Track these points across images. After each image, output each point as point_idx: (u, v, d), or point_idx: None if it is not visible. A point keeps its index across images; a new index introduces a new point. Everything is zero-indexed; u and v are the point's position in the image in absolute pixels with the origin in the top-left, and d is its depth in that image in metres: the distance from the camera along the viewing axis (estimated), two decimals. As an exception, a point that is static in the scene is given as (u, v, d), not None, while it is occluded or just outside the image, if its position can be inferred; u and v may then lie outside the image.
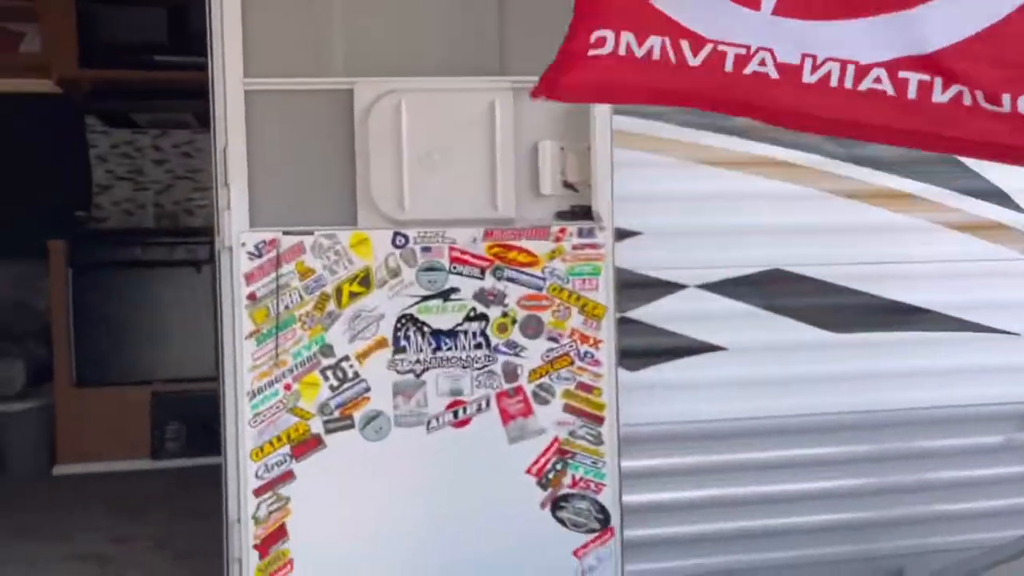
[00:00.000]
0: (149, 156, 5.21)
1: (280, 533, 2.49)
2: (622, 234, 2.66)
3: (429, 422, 2.53)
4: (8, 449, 4.34)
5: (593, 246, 2.57)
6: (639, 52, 1.65)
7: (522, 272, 2.55)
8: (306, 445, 2.50)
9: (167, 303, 4.53)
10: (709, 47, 1.64)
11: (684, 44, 1.65)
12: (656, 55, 1.65)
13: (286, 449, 2.49)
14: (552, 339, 2.56)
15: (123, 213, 5.18)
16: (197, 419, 4.50)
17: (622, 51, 1.66)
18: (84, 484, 4.20)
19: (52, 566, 3.18)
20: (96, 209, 5.12)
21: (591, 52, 1.68)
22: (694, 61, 1.65)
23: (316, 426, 2.51)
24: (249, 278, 2.48)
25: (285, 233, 2.49)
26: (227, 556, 2.54)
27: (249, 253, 2.48)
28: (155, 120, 5.06)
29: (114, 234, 4.93)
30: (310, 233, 2.50)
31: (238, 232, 2.49)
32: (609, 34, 1.66)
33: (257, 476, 2.49)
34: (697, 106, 1.83)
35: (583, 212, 2.59)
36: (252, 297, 2.48)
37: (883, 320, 2.89)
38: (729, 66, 1.63)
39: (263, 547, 2.49)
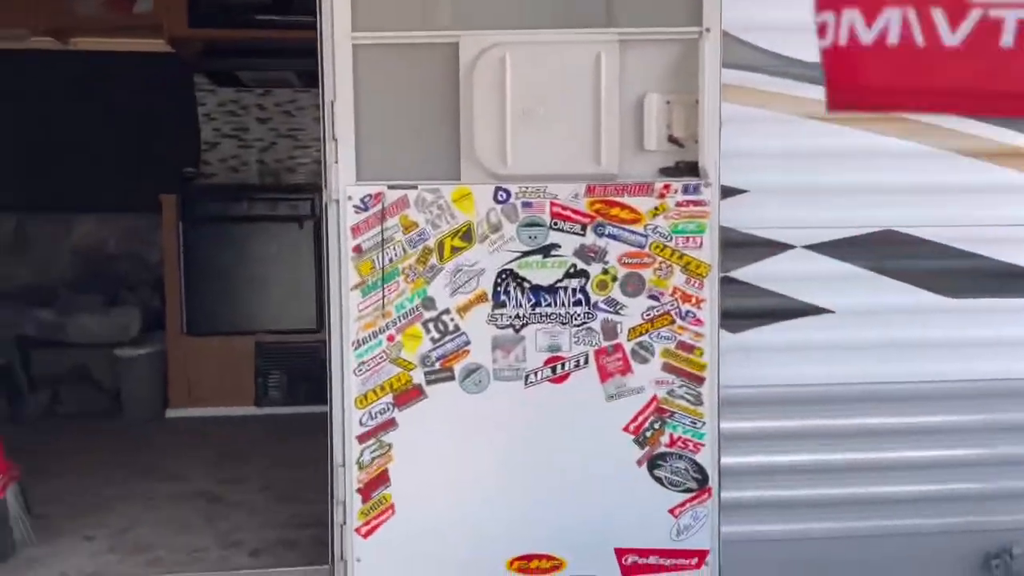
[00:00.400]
0: (253, 114, 5.35)
1: (382, 478, 2.57)
2: (727, 191, 2.60)
3: (527, 377, 2.55)
4: (124, 392, 4.60)
5: (698, 203, 2.52)
6: (867, 36, 1.22)
7: (624, 229, 2.52)
8: (408, 395, 2.56)
9: (270, 257, 4.68)
10: (976, 14, 1.18)
11: (937, 14, 1.20)
12: (893, 37, 1.21)
13: (389, 398, 2.56)
14: (653, 297, 2.54)
15: (228, 170, 5.35)
16: (297, 369, 4.68)
17: (843, 39, 1.25)
18: (194, 427, 4.42)
19: (167, 503, 3.37)
20: (203, 165, 5.30)
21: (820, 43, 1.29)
22: (952, 39, 1.20)
23: (418, 377, 2.56)
24: (355, 231, 2.53)
25: (390, 187, 2.53)
26: (331, 498, 2.64)
27: (355, 206, 2.53)
28: (259, 79, 5.19)
29: (222, 190, 5.10)
30: (414, 187, 2.53)
31: (345, 186, 2.54)
32: (828, 18, 1.26)
33: (361, 423, 2.57)
34: (963, 111, 1.37)
35: (688, 168, 2.54)
36: (358, 250, 2.54)
37: (1001, 285, 2.75)
38: (1009, 39, 1.17)
39: (366, 491, 2.57)
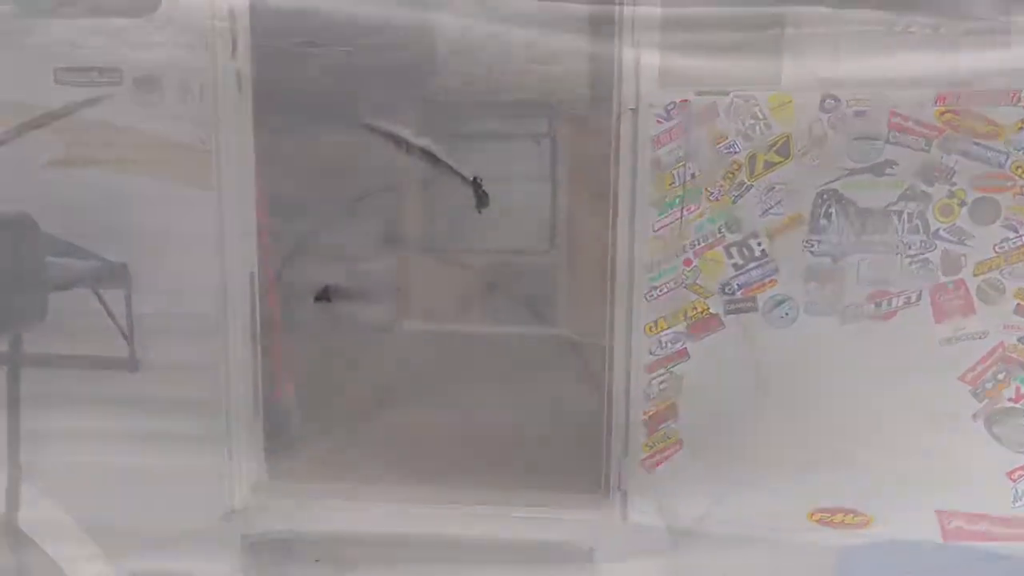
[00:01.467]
0: (486, 25, 5.19)
1: (670, 412, 2.40)
2: (1103, 103, 2.15)
3: (845, 312, 2.26)
4: (361, 304, 4.70)
5: (1082, 114, 2.09)
6: None
7: (979, 144, 2.15)
8: (703, 325, 2.35)
9: (505, 174, 4.56)
10: None
11: None
12: None
13: (682, 327, 2.36)
14: (1010, 227, 2.16)
15: (461, 83, 5.26)
16: (528, 290, 4.60)
17: None
18: (429, 342, 4.45)
19: (420, 415, 3.37)
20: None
21: None
22: None
23: (715, 306, 2.34)
24: (655, 142, 2.31)
25: (698, 94, 2.27)
26: (608, 426, 2.50)
27: (657, 115, 2.30)
28: (494, -13, 5.00)
29: (458, 105, 5.01)
30: (725, 94, 2.26)
31: (646, 92, 2.30)
32: None
33: (650, 352, 2.39)
34: None
35: (1070, 72, 2.11)
36: (657, 163, 2.32)
37: None
38: None
39: (652, 424, 2.41)
